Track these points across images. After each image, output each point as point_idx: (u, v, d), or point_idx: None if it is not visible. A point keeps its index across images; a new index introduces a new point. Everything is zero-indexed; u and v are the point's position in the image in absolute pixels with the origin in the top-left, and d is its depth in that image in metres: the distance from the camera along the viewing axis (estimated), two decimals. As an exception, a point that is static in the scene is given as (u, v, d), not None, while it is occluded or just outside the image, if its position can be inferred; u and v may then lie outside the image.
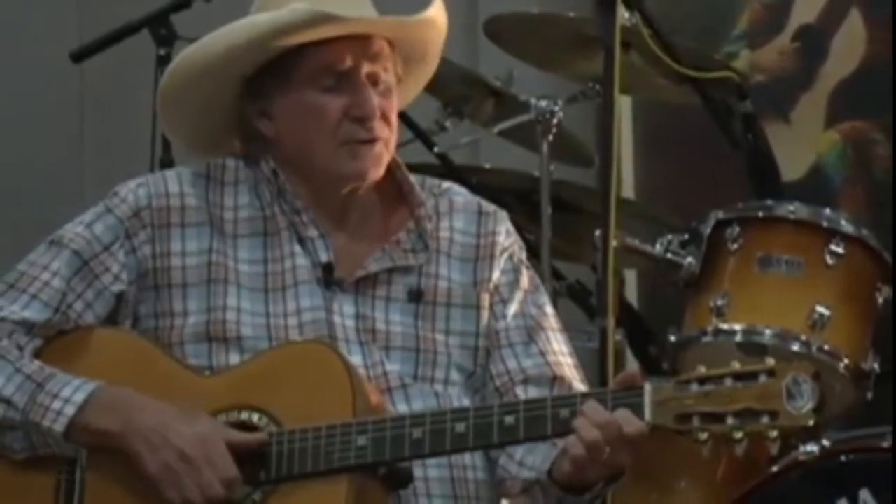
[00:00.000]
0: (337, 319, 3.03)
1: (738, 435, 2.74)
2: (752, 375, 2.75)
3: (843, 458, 3.86)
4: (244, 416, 2.92)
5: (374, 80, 3.03)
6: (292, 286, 3.04)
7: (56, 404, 2.90)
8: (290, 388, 2.92)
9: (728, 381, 2.76)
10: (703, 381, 2.77)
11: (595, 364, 3.59)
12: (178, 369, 2.99)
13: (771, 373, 2.75)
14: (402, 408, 2.98)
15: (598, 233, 3.78)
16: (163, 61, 4.24)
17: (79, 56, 4.35)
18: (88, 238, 3.03)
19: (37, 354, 2.97)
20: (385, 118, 3.03)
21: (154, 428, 2.89)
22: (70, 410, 2.90)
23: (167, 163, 4.16)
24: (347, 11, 2.98)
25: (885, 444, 3.88)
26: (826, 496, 3.83)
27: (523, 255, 3.17)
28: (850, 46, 4.94)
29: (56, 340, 3.00)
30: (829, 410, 3.87)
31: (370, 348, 3.02)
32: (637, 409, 2.78)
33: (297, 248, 3.05)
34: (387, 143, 3.04)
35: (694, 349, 4.04)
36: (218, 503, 2.85)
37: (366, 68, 3.02)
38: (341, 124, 3.01)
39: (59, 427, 2.89)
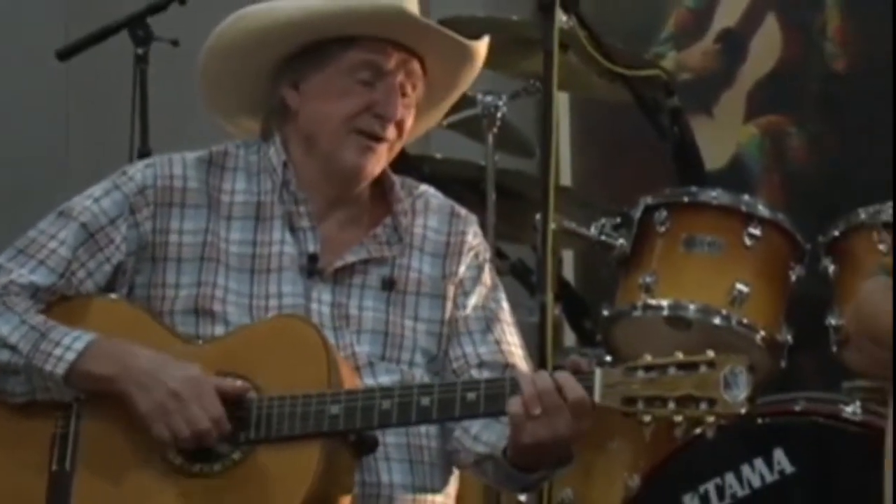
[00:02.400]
0: (314, 306, 3.03)
1: (679, 418, 2.77)
2: (694, 366, 2.77)
3: (759, 420, 3.89)
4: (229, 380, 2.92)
5: (403, 90, 3.03)
6: (277, 271, 3.04)
7: (57, 351, 2.90)
8: (271, 358, 2.93)
9: (671, 370, 2.78)
10: (648, 368, 2.79)
11: (535, 336, 3.53)
12: (169, 336, 2.99)
13: (710, 364, 2.77)
14: (370, 383, 2.98)
15: (538, 217, 3.74)
16: (140, 60, 4.24)
17: (64, 55, 4.34)
18: (96, 212, 3.02)
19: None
20: (399, 126, 3.03)
21: (147, 371, 2.89)
22: (70, 356, 2.89)
23: (144, 153, 4.16)
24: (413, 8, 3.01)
25: (798, 407, 3.92)
26: (744, 455, 3.87)
27: (488, 255, 3.19)
28: (766, 48, 4.96)
29: (56, 306, 3.00)
30: (750, 362, 3.94)
31: (343, 332, 3.02)
32: (588, 392, 2.79)
33: (288, 237, 3.05)
34: (391, 147, 3.05)
35: (624, 322, 4.07)
36: (204, 439, 2.85)
37: (401, 77, 3.02)
38: (361, 115, 3.01)
39: (59, 371, 2.89)
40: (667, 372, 2.78)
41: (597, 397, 2.79)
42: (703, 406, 2.75)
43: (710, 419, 2.76)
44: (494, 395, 2.84)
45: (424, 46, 3.04)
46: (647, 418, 2.77)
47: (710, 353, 2.77)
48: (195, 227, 3.04)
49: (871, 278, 3.25)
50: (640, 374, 2.79)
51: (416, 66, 3.04)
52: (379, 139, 3.02)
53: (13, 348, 2.92)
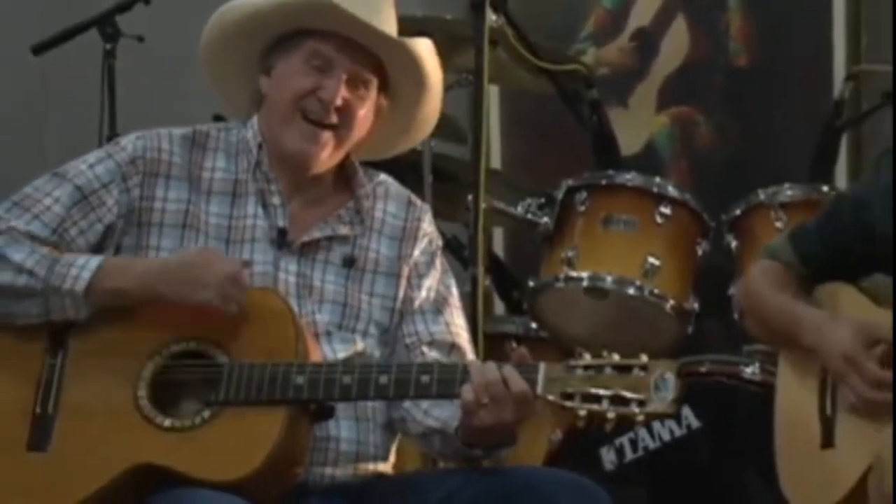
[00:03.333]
0: (281, 275, 3.03)
1: (611, 415, 2.78)
2: (628, 368, 2.78)
3: (668, 380, 3.94)
4: (202, 346, 2.92)
5: (354, 82, 3.02)
6: (250, 241, 3.05)
7: (73, 271, 2.90)
8: (243, 326, 2.92)
9: (608, 370, 2.79)
10: (587, 367, 2.79)
11: (468, 305, 3.60)
12: None
13: (643, 367, 2.78)
14: (327, 349, 2.99)
15: (470, 197, 3.84)
16: (108, 55, 4.24)
17: (38, 49, 4.33)
18: (90, 177, 3.02)
19: None
20: (347, 113, 3.02)
21: (158, 269, 2.92)
22: (87, 274, 2.90)
23: (111, 136, 4.14)
24: (357, 9, 3.00)
25: (703, 369, 3.97)
26: (655, 412, 3.92)
27: (440, 244, 3.20)
28: (676, 46, 4.97)
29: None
30: (658, 343, 3.96)
31: (305, 301, 3.03)
32: (531, 384, 2.80)
33: (261, 212, 3.05)
34: (339, 135, 3.03)
35: (548, 293, 4.11)
36: (243, 277, 2.89)
37: (348, 66, 3.02)
38: (307, 97, 3.01)
39: (80, 287, 2.89)
40: (603, 371, 2.79)
41: (539, 390, 2.80)
42: (634, 406, 2.76)
43: (640, 418, 2.78)
44: (447, 380, 2.85)
45: (380, 48, 3.05)
46: (583, 412, 2.78)
47: (644, 358, 2.79)
48: (177, 197, 3.05)
49: (759, 261, 3.28)
50: (580, 371, 2.79)
51: (366, 57, 3.03)
52: (322, 125, 3.01)
53: (30, 272, 2.91)
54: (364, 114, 3.06)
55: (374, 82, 3.07)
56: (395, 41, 3.05)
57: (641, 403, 2.76)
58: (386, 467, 3.07)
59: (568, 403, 2.79)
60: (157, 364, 2.91)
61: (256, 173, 3.07)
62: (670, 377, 2.76)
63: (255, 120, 3.10)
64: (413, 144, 3.28)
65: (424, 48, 3.10)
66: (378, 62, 3.07)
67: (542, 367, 2.81)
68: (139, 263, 2.95)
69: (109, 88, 4.26)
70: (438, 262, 3.16)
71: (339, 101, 3.00)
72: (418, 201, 3.19)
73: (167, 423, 2.87)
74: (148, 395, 2.88)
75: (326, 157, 3.05)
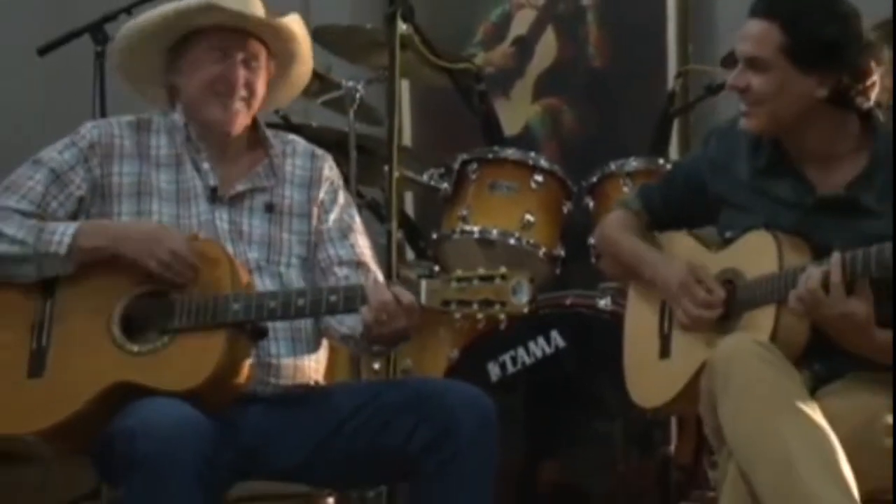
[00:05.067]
0: (218, 223, 3.01)
1: (480, 315, 2.80)
2: (491, 278, 2.79)
3: (540, 311, 3.93)
4: (159, 287, 2.89)
5: (247, 61, 3.01)
6: (194, 199, 3.02)
7: (56, 237, 2.88)
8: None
9: (476, 281, 2.79)
10: (459, 279, 2.80)
11: (384, 253, 3.58)
12: None
13: (503, 277, 2.78)
14: (258, 280, 2.98)
15: (386, 168, 3.78)
16: (99, 56, 4.18)
17: (42, 51, 4.27)
18: (60, 161, 2.99)
19: None
20: (249, 87, 3.02)
21: (122, 234, 2.89)
22: (67, 239, 2.88)
23: (103, 121, 4.10)
24: (232, 4, 2.98)
25: (568, 301, 3.97)
26: (530, 335, 3.91)
27: (341, 182, 3.17)
28: (546, 51, 4.96)
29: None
30: (531, 275, 3.97)
31: (238, 243, 3.01)
32: (416, 297, 2.81)
33: (196, 175, 3.03)
34: (247, 103, 3.03)
35: (447, 243, 4.08)
36: (182, 253, 2.86)
37: (240, 50, 3.00)
38: (215, 83, 2.99)
39: (62, 250, 2.87)
40: (472, 282, 2.79)
41: (423, 300, 2.81)
42: (498, 307, 2.78)
43: (502, 316, 2.81)
44: (350, 297, 2.85)
45: (260, 31, 3.04)
46: (458, 315, 2.81)
47: (503, 269, 2.80)
48: (131, 171, 3.02)
49: (612, 211, 3.27)
50: (454, 283, 2.80)
51: (254, 45, 3.03)
52: (231, 97, 3.00)
53: (22, 242, 2.89)
54: (261, 81, 3.05)
55: (263, 54, 3.05)
56: (270, 23, 3.04)
57: (503, 304, 2.77)
58: (319, 377, 3.05)
59: (446, 308, 2.80)
60: (125, 303, 2.89)
61: (188, 145, 3.05)
62: (524, 283, 2.77)
63: (178, 106, 3.07)
64: (296, 94, 3.25)
65: (293, 22, 3.08)
66: (261, 39, 3.05)
67: (423, 282, 2.82)
68: (109, 227, 2.94)
69: (100, 84, 4.18)
70: (341, 196, 3.15)
71: (241, 80, 3.00)
72: (320, 152, 3.18)
73: (136, 348, 2.85)
74: (120, 328, 2.86)
75: (241, 121, 3.03)
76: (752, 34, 2.81)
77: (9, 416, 2.84)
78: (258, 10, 3.03)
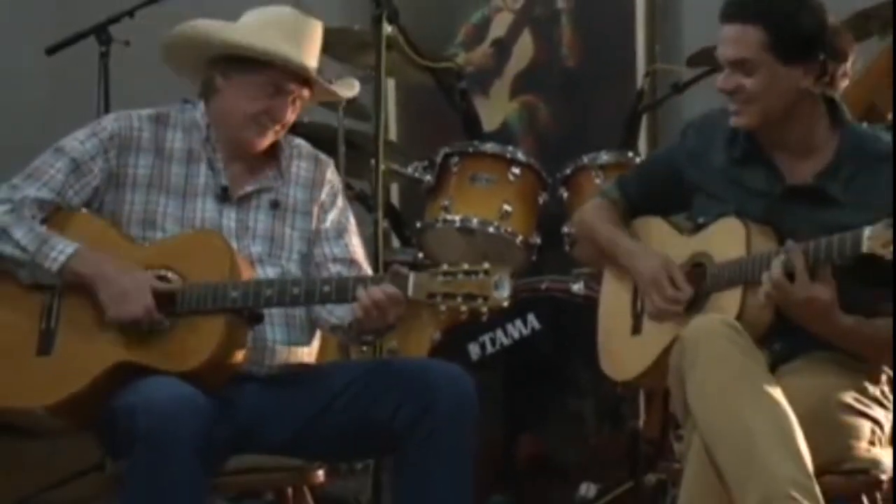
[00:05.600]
0: (225, 221, 2.99)
1: (464, 308, 2.77)
2: (475, 272, 2.76)
3: (518, 295, 3.88)
4: (163, 272, 2.88)
5: (294, 101, 3.00)
6: (202, 196, 2.99)
7: (53, 254, 2.85)
8: (194, 257, 2.89)
9: (460, 275, 2.76)
10: (445, 273, 2.77)
11: (371, 241, 3.56)
12: (124, 240, 2.94)
13: (486, 272, 2.76)
14: (260, 272, 2.96)
15: (372, 161, 3.75)
16: (103, 56, 4.15)
17: (51, 50, 4.23)
18: (81, 150, 2.96)
19: (42, 223, 2.93)
20: (285, 124, 3.01)
21: (110, 276, 2.84)
22: (62, 258, 2.85)
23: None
24: (308, 61, 2.99)
25: (543, 286, 3.94)
26: (509, 318, 3.88)
27: (340, 187, 3.16)
28: (523, 52, 4.94)
29: (53, 216, 2.94)
30: (512, 270, 3.96)
31: (243, 238, 2.99)
32: (403, 289, 2.79)
33: (210, 173, 3.00)
34: (277, 133, 3.02)
35: (430, 231, 4.05)
36: (140, 322, 2.82)
37: (294, 92, 2.99)
38: (261, 115, 2.97)
39: (55, 267, 2.85)
40: (457, 276, 2.76)
41: (410, 293, 2.79)
42: (480, 301, 2.75)
43: (484, 309, 2.78)
44: (342, 288, 2.84)
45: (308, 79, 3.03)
46: (443, 308, 2.78)
47: (486, 265, 2.77)
48: (145, 163, 2.99)
49: (588, 201, 3.26)
50: (440, 277, 2.77)
51: (305, 91, 3.03)
52: (270, 129, 2.99)
53: (24, 249, 2.86)
54: (296, 116, 3.05)
55: (308, 95, 3.05)
56: (326, 87, 3.07)
57: (485, 299, 2.75)
58: (310, 358, 3.03)
59: (431, 301, 2.77)
60: None
61: (206, 144, 3.01)
62: (506, 279, 2.75)
63: (201, 104, 3.04)
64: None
65: (344, 89, 3.15)
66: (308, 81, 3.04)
67: (411, 275, 2.80)
68: (101, 262, 2.88)
69: (105, 81, 4.15)
70: (339, 200, 3.12)
71: (284, 119, 2.99)
72: (323, 157, 3.16)
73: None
74: None
75: (267, 143, 3.03)
76: (734, 38, 2.79)
77: (19, 390, 2.83)
78: (317, 54, 3.04)
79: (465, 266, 2.77)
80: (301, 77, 2.99)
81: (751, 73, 2.79)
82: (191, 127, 3.03)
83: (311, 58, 3.01)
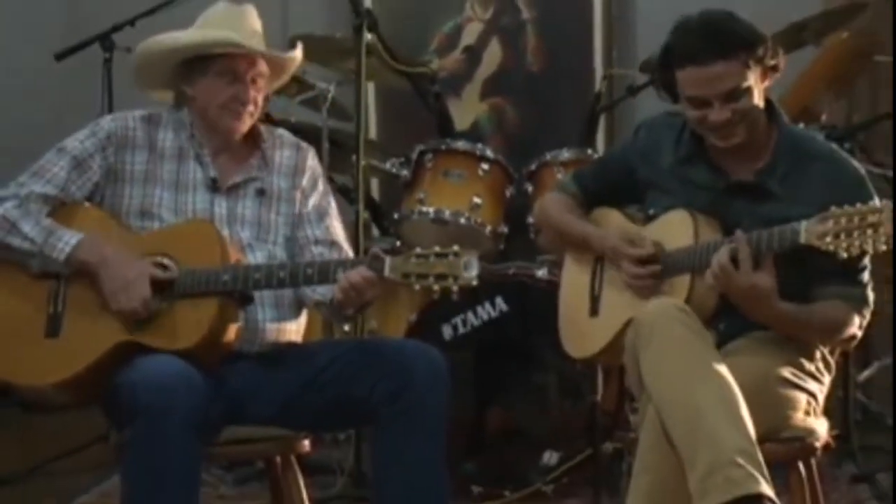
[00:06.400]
0: (216, 210, 2.96)
1: (436, 287, 2.74)
2: (446, 255, 2.74)
3: (486, 280, 3.82)
4: (160, 259, 2.85)
5: (254, 79, 2.97)
6: (192, 188, 2.97)
7: (60, 244, 2.84)
8: (188, 245, 2.86)
9: (432, 258, 2.74)
10: (418, 256, 2.75)
11: (353, 230, 3.56)
12: (123, 230, 2.92)
13: (456, 254, 2.73)
14: (250, 257, 2.94)
15: (354, 157, 3.75)
16: (107, 61, 4.14)
17: (60, 56, 4.22)
18: (81, 149, 2.94)
19: (47, 217, 2.90)
20: (255, 102, 2.98)
21: (112, 265, 2.82)
22: (68, 249, 2.83)
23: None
24: (248, 41, 2.95)
25: (511, 271, 3.90)
26: (478, 300, 3.85)
27: (321, 172, 3.13)
28: (492, 58, 4.95)
29: (59, 208, 2.92)
30: (480, 253, 3.95)
31: (233, 225, 2.97)
32: (380, 271, 2.77)
33: (198, 167, 2.98)
34: (251, 114, 2.99)
35: (407, 222, 4.03)
36: (136, 314, 2.80)
37: (251, 75, 2.96)
38: (229, 103, 2.95)
39: (61, 257, 2.83)
40: (429, 259, 2.74)
41: (386, 274, 2.77)
42: (451, 280, 2.73)
43: (455, 288, 2.75)
44: (323, 271, 2.82)
45: (262, 56, 3.00)
46: (417, 287, 2.75)
47: (456, 248, 2.75)
48: (141, 160, 2.97)
49: (548, 193, 3.25)
50: (413, 259, 2.75)
51: (261, 66, 2.99)
52: (242, 112, 2.96)
53: (32, 241, 2.84)
54: (262, 94, 3.01)
55: (267, 70, 3.01)
56: (270, 55, 3.01)
57: (456, 278, 2.72)
58: (297, 336, 3.02)
59: (406, 281, 2.75)
60: None
61: (192, 141, 2.99)
62: (474, 260, 2.73)
63: (186, 108, 3.02)
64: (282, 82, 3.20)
65: (294, 58, 3.07)
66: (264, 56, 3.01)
67: (387, 259, 2.77)
68: (104, 250, 2.86)
69: (108, 85, 4.14)
70: (320, 184, 3.09)
71: (250, 99, 2.96)
72: (304, 144, 3.13)
73: None
74: None
75: (246, 127, 3.00)
76: (720, 74, 2.72)
77: (30, 369, 2.82)
78: (260, 43, 2.99)
79: (437, 249, 2.75)
80: (249, 57, 2.96)
81: (741, 96, 2.75)
82: (178, 127, 3.01)
83: (248, 37, 2.97)
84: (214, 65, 2.95)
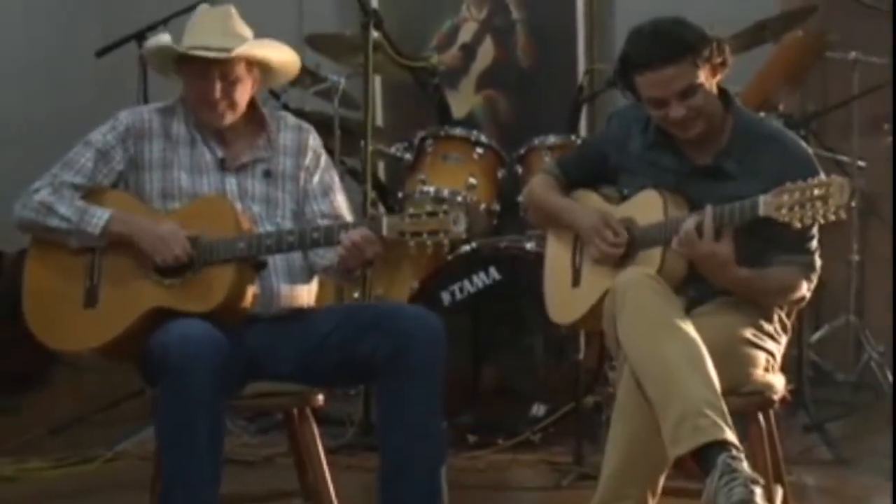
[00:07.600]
0: (228, 187, 2.91)
1: (429, 242, 2.70)
2: (436, 213, 2.70)
3: (481, 252, 3.86)
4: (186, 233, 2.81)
5: (224, 77, 2.85)
6: (206, 170, 2.91)
7: (94, 220, 2.80)
8: (205, 218, 2.82)
9: (424, 216, 2.69)
10: (412, 215, 2.70)
11: (360, 209, 3.54)
12: (150, 209, 2.87)
13: (445, 212, 2.70)
14: (261, 229, 2.89)
15: (362, 143, 3.71)
16: (142, 58, 4.01)
17: (100, 53, 4.17)
18: (104, 142, 2.88)
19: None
20: (229, 97, 2.85)
21: (146, 229, 2.79)
22: (101, 223, 2.80)
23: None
24: (221, 43, 2.82)
25: (503, 244, 3.87)
26: (474, 270, 3.83)
27: (322, 150, 3.03)
28: (486, 54, 4.90)
29: (89, 195, 2.87)
30: (475, 231, 3.92)
31: (245, 200, 2.91)
32: (378, 230, 2.73)
33: (207, 151, 2.92)
34: (229, 107, 2.87)
35: (411, 199, 3.96)
36: (177, 260, 2.77)
37: (215, 73, 2.84)
38: (199, 99, 2.86)
39: (96, 231, 2.80)
40: (422, 217, 2.69)
41: (384, 233, 2.72)
42: (441, 235, 2.68)
43: (446, 242, 2.71)
44: (328, 234, 2.78)
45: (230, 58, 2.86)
46: (412, 243, 2.71)
47: (445, 206, 2.70)
48: (158, 148, 2.91)
49: (536, 175, 3.19)
50: (407, 219, 2.70)
51: (227, 64, 2.84)
52: (213, 109, 2.85)
53: (68, 220, 2.81)
54: (241, 87, 2.88)
55: (240, 67, 2.87)
56: (233, 57, 2.84)
57: (446, 233, 2.68)
58: (310, 300, 2.97)
59: (401, 238, 2.70)
60: None
61: (192, 128, 2.93)
62: (462, 216, 2.69)
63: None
64: (288, 78, 3.06)
65: (244, 52, 2.87)
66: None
67: (385, 218, 2.73)
68: (135, 220, 2.82)
69: (143, 80, 4.08)
70: (322, 161, 3.01)
71: (217, 97, 2.84)
72: (305, 125, 3.03)
73: (167, 281, 2.79)
74: (153, 267, 2.80)
75: (227, 119, 2.90)
76: (672, 76, 2.68)
77: (72, 336, 2.80)
78: (233, 40, 2.85)
79: (428, 208, 2.70)
80: (218, 59, 2.83)
81: (695, 93, 2.70)
82: (187, 115, 2.94)
83: (215, 37, 2.83)
84: (187, 66, 2.88)
